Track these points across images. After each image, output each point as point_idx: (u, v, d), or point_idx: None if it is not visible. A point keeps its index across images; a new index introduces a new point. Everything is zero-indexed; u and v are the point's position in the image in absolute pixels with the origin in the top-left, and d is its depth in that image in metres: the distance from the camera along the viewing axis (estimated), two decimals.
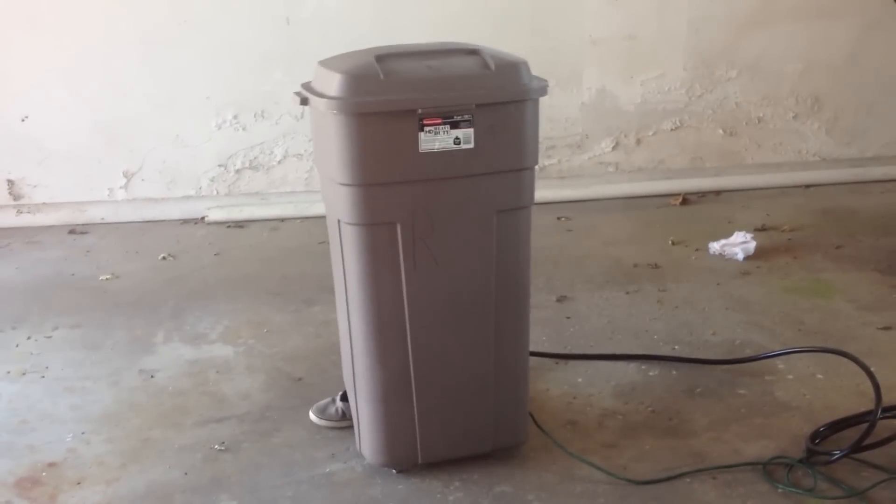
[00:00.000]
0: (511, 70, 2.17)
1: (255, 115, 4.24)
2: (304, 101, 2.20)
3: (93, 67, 4.09)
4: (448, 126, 2.12)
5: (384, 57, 2.14)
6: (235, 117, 4.23)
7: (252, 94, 4.21)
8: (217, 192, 4.31)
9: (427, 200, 2.16)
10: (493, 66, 2.15)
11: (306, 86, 2.26)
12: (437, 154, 2.12)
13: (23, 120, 4.13)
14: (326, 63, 2.23)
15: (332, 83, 2.10)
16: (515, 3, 4.26)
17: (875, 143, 4.70)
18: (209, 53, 4.13)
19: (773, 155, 4.64)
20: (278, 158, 4.31)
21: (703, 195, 4.48)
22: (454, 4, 4.19)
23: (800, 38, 4.49)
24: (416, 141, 2.10)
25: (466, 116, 2.12)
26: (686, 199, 4.42)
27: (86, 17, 4.02)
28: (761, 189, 4.51)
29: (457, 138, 2.13)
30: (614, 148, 4.53)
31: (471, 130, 2.13)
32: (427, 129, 2.11)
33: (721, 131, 4.57)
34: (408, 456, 2.34)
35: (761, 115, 4.58)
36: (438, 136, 2.12)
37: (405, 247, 2.16)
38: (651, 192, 4.47)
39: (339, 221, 2.20)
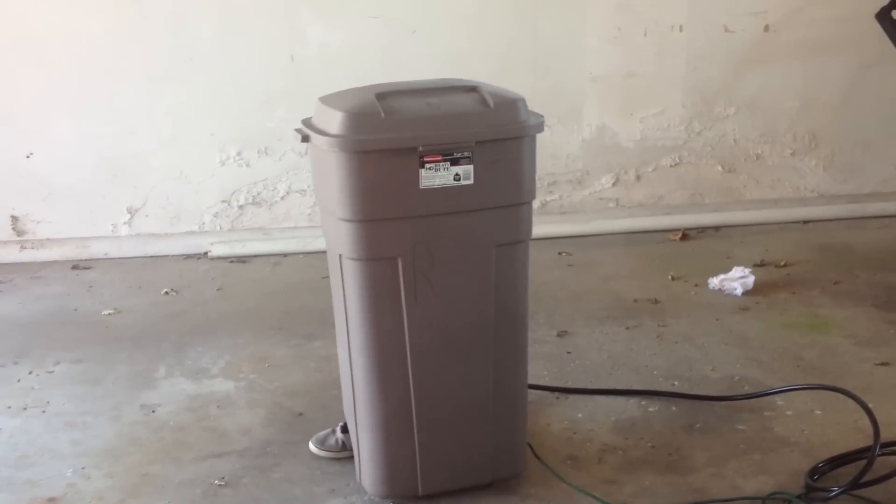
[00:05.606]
0: (509, 107, 2.22)
1: (258, 152, 4.28)
2: (306, 139, 2.23)
3: (98, 104, 4.14)
4: (448, 163, 2.16)
5: (384, 95, 2.18)
6: (239, 154, 4.27)
7: (256, 131, 4.25)
8: (220, 228, 4.34)
9: (428, 235, 2.19)
10: (491, 104, 2.20)
11: (307, 122, 2.29)
12: (437, 190, 2.16)
13: (28, 156, 4.17)
14: (327, 100, 2.26)
15: (334, 121, 2.14)
16: (518, 41, 4.31)
17: (872, 180, 4.73)
18: (214, 91, 4.18)
19: (772, 191, 4.67)
20: (281, 194, 4.34)
21: (702, 231, 4.50)
22: (459, 42, 4.24)
23: (797, 76, 4.54)
24: (416, 177, 2.14)
25: (466, 153, 2.17)
26: (685, 234, 4.45)
27: (92, 55, 4.08)
28: (760, 225, 4.54)
29: (457, 174, 2.17)
30: (614, 184, 4.56)
31: (470, 167, 2.18)
32: (427, 165, 2.14)
33: (720, 168, 4.61)
34: (408, 487, 2.36)
35: (759, 151, 4.62)
36: (439, 173, 2.16)
37: (406, 281, 2.20)
38: (651, 228, 4.50)
39: (340, 256, 2.23)
